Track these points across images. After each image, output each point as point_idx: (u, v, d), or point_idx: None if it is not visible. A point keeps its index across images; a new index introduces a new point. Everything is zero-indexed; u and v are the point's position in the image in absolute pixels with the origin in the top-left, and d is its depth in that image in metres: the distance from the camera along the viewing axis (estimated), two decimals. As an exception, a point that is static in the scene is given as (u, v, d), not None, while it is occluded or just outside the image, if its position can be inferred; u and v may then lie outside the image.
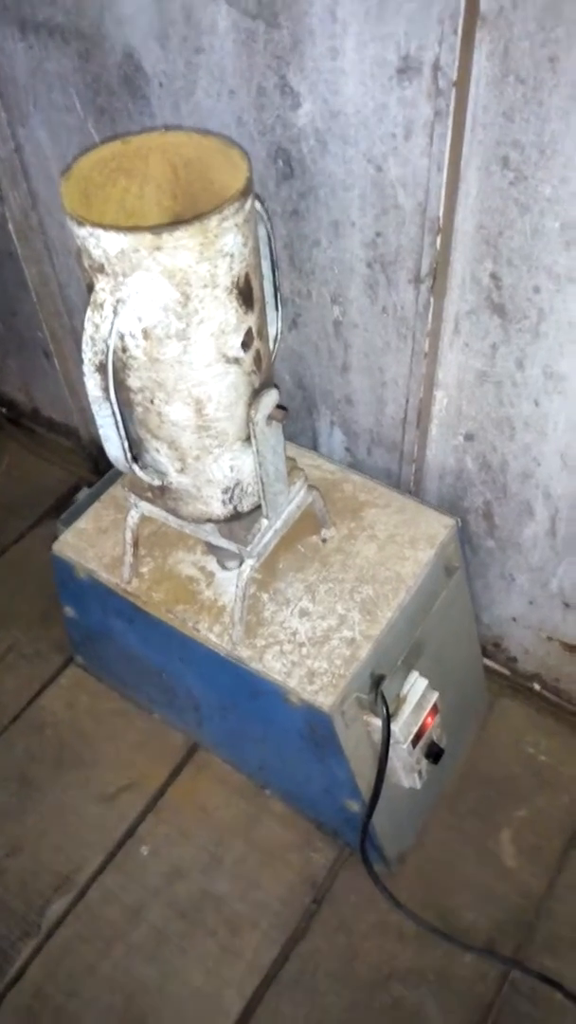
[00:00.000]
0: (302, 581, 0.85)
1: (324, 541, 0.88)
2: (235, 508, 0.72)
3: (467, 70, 0.63)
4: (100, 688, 1.14)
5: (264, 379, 0.65)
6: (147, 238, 0.50)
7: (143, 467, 0.68)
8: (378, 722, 0.80)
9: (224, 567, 0.86)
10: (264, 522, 0.74)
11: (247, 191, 0.54)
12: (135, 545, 0.83)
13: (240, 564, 0.77)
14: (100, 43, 0.81)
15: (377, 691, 0.79)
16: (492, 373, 0.80)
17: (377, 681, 0.80)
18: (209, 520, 0.72)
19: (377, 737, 0.83)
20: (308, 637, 0.81)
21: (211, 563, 0.87)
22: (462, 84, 0.64)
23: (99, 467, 1.37)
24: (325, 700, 0.77)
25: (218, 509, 0.71)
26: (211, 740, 1.05)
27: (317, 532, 0.89)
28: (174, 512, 0.73)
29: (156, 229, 0.50)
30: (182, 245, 0.51)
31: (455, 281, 0.76)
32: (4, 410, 1.46)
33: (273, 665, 0.80)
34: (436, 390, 0.86)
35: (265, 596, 0.84)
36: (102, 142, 0.59)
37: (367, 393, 0.92)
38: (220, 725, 0.98)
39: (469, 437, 0.87)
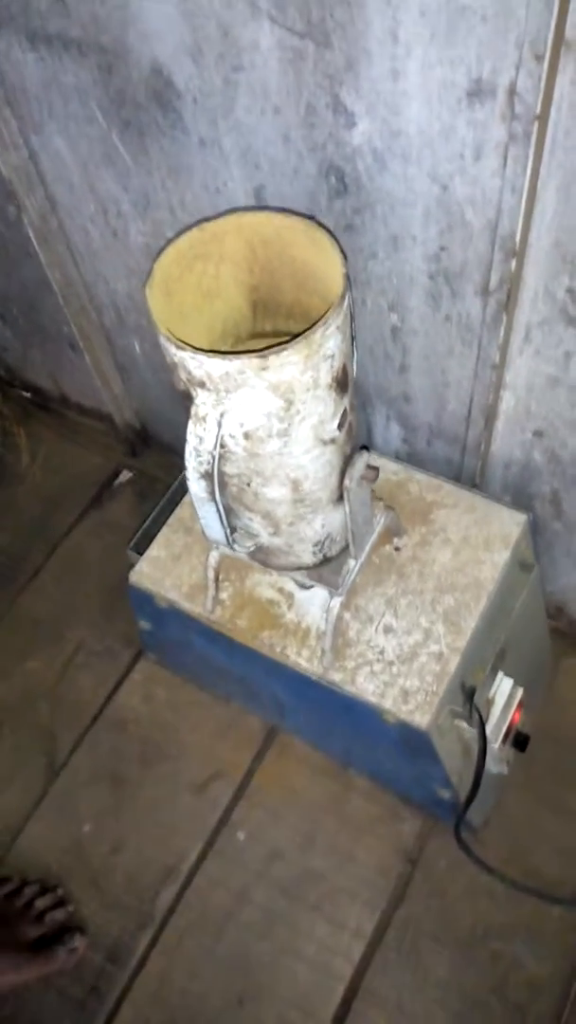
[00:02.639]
0: (382, 595, 0.86)
1: (398, 550, 0.88)
2: (324, 556, 0.72)
3: (549, 95, 0.59)
4: (174, 680, 1.17)
5: (354, 443, 0.63)
6: (254, 363, 0.48)
7: (233, 531, 0.68)
8: (468, 725, 0.83)
9: (303, 587, 0.87)
10: (352, 562, 0.74)
11: (345, 289, 0.52)
12: (217, 578, 0.84)
13: (329, 597, 0.77)
14: (123, 57, 0.74)
15: (471, 704, 0.81)
16: (565, 379, 0.78)
17: (470, 694, 0.82)
18: (299, 568, 0.73)
19: (468, 735, 0.86)
20: (396, 655, 0.83)
21: (288, 583, 0.88)
22: (543, 109, 0.59)
23: (135, 451, 1.35)
24: (422, 719, 0.80)
25: (308, 560, 0.71)
26: (294, 729, 1.09)
27: (389, 541, 0.89)
28: (263, 563, 0.73)
29: (263, 353, 0.48)
30: (288, 362, 0.49)
31: (527, 294, 0.73)
32: (29, 395, 1.43)
33: (366, 687, 0.82)
34: (503, 391, 0.84)
35: (347, 615, 0.86)
36: (177, 234, 0.56)
37: (427, 392, 0.90)
38: (305, 721, 1.02)
39: (538, 434, 0.86)
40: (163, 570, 0.90)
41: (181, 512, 0.94)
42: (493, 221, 0.69)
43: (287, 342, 0.48)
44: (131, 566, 0.93)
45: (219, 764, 1.11)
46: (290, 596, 0.87)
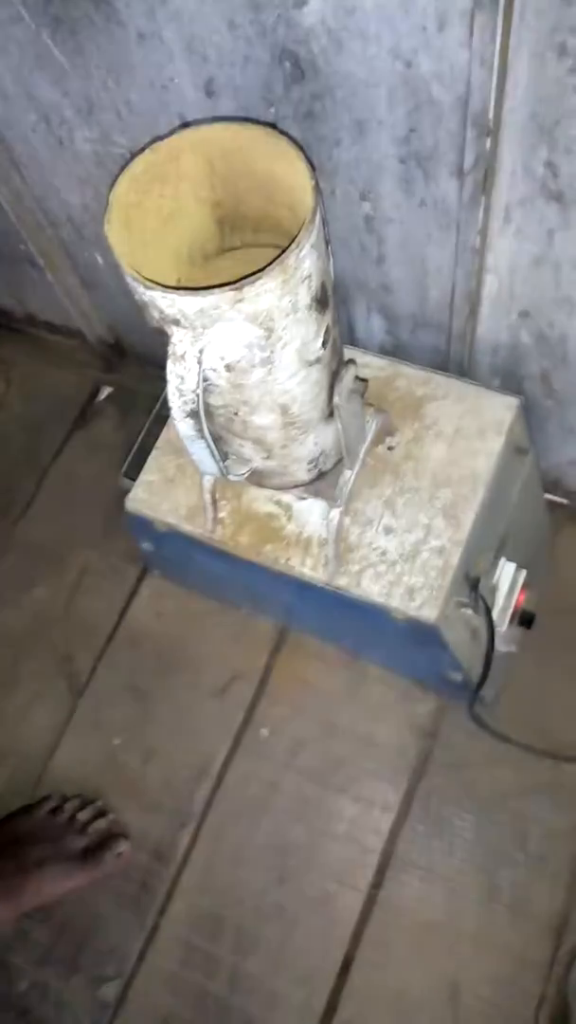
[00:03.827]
0: (379, 497, 0.86)
1: (391, 449, 0.87)
2: (319, 471, 0.71)
3: (514, -48, 0.54)
4: (181, 592, 1.18)
5: (340, 356, 0.62)
6: (228, 295, 0.46)
7: (225, 458, 0.67)
8: (475, 613, 0.85)
9: (300, 497, 0.86)
10: (347, 473, 0.74)
11: (316, 203, 0.49)
12: (214, 500, 0.84)
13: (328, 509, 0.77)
14: (42, -54, 0.67)
15: (476, 593, 0.83)
16: (549, 256, 0.75)
17: (474, 584, 0.83)
18: (295, 486, 0.72)
19: (475, 622, 0.88)
20: (399, 554, 0.84)
21: (286, 495, 0.87)
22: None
23: (111, 365, 1.32)
24: (430, 614, 0.81)
25: (303, 477, 0.71)
26: (304, 628, 1.11)
27: (382, 441, 0.88)
28: (258, 484, 0.72)
29: (237, 285, 0.46)
30: (264, 290, 0.47)
31: (504, 171, 0.69)
32: (-6, 317, 1.38)
33: (372, 588, 0.83)
34: (486, 274, 0.81)
35: (347, 519, 0.85)
36: (129, 160, 0.52)
37: (408, 282, 0.87)
38: (314, 621, 1.04)
39: (524, 315, 0.84)
40: (159, 494, 0.90)
41: (169, 434, 0.92)
42: (463, 97, 0.64)
43: (261, 270, 0.46)
44: (125, 492, 0.92)
45: (236, 667, 1.15)
46: (288, 508, 0.87)
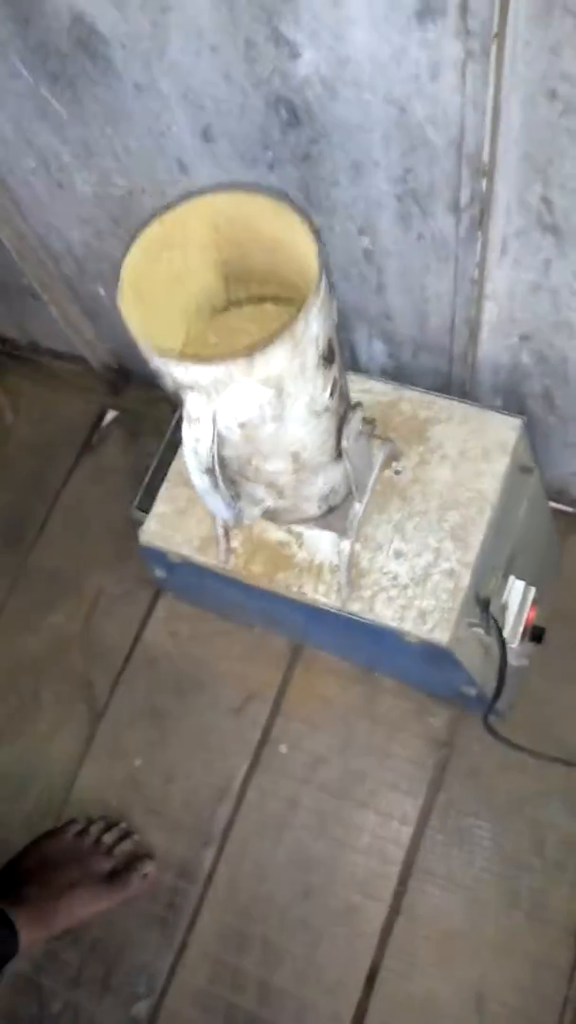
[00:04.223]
0: (387, 521, 0.87)
1: (398, 473, 0.89)
2: (329, 507, 0.73)
3: (504, 7, 0.55)
4: (195, 612, 1.20)
5: (347, 401, 0.63)
6: (241, 364, 0.48)
7: (238, 500, 0.68)
8: (486, 633, 0.87)
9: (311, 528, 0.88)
10: (357, 506, 0.75)
11: (321, 272, 0.50)
12: (226, 532, 0.85)
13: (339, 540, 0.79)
14: (38, 7, 0.68)
15: (487, 614, 0.84)
16: (546, 284, 0.77)
17: (485, 605, 0.85)
18: (305, 521, 0.74)
19: (486, 640, 0.90)
20: (410, 578, 0.85)
21: (296, 524, 0.89)
22: (500, 22, 0.56)
23: (116, 389, 1.34)
24: (442, 636, 0.83)
25: (314, 512, 0.73)
26: (317, 646, 1.13)
27: (388, 466, 0.89)
28: (270, 519, 0.74)
29: (249, 354, 0.47)
30: (274, 356, 0.49)
31: (500, 207, 0.71)
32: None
33: (384, 613, 0.85)
34: (485, 301, 0.82)
35: (358, 545, 0.87)
36: (137, 231, 0.53)
37: (407, 308, 0.88)
38: (328, 640, 1.06)
39: (524, 338, 0.85)
40: (171, 526, 0.92)
41: (178, 465, 0.94)
42: (457, 139, 0.66)
43: (271, 338, 0.48)
44: (137, 524, 0.94)
45: (252, 686, 1.17)
46: (299, 535, 0.89)
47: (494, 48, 0.57)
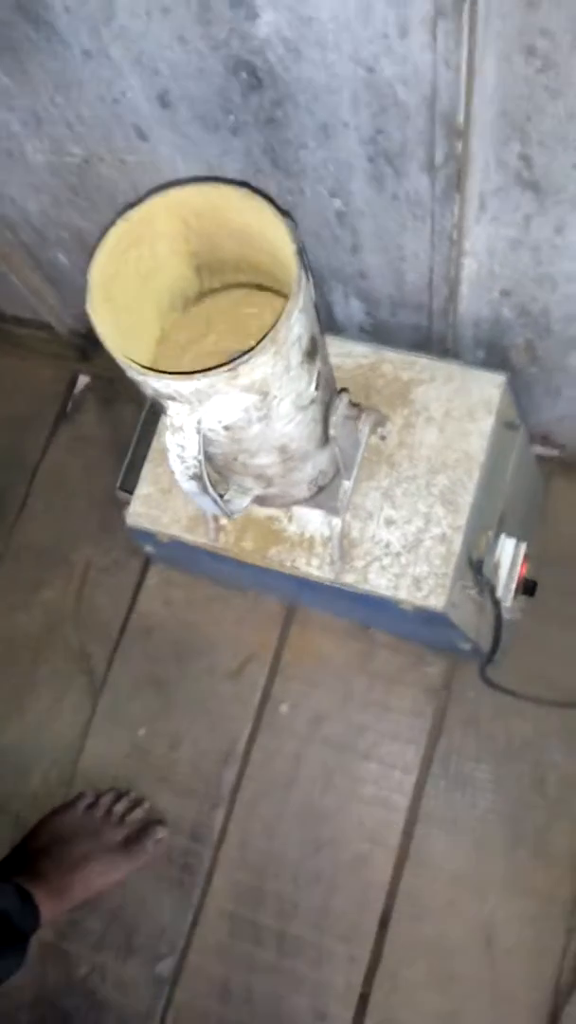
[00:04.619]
0: (376, 489, 0.86)
1: (383, 439, 0.87)
2: (319, 488, 0.72)
3: (474, -39, 0.51)
4: (187, 579, 1.20)
5: (332, 386, 0.61)
6: (224, 376, 0.46)
7: (226, 489, 0.67)
8: (479, 595, 0.87)
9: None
10: (346, 483, 0.74)
11: (300, 269, 0.48)
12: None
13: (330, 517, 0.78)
14: (-29, -29, 0.63)
15: (480, 576, 0.84)
16: (527, 240, 0.74)
17: (478, 567, 0.85)
18: (295, 503, 0.73)
19: (479, 599, 0.90)
20: (402, 545, 0.85)
21: (285, 498, 0.88)
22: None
23: (86, 354, 1.30)
24: (437, 602, 0.83)
25: (303, 494, 0.71)
26: (311, 606, 1.13)
27: (374, 431, 0.88)
28: (259, 504, 0.73)
29: (232, 366, 0.45)
30: (258, 364, 0.46)
31: (477, 165, 0.68)
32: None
33: (379, 582, 0.84)
34: (464, 258, 0.80)
35: (348, 515, 0.86)
36: (102, 233, 0.50)
37: (383, 268, 0.85)
38: (322, 603, 1.06)
39: (505, 293, 0.83)
40: (157, 506, 0.90)
41: (159, 443, 0.91)
42: (429, 97, 0.62)
43: (252, 348, 0.45)
44: (123, 505, 0.92)
45: (249, 648, 1.17)
46: (288, 510, 0.88)
47: (467, 3, 0.53)
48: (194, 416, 0.50)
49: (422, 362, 0.89)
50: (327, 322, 0.97)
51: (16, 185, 0.91)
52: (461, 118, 0.62)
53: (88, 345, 1.29)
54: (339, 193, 0.76)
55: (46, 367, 1.32)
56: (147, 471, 0.91)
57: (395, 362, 0.90)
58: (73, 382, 1.31)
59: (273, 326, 0.46)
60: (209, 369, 0.46)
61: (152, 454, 0.91)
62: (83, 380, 1.31)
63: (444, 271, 0.82)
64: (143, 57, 0.67)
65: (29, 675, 1.21)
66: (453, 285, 0.83)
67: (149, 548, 1.02)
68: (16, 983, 0.98)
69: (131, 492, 0.91)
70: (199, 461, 0.52)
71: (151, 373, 0.46)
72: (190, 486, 0.54)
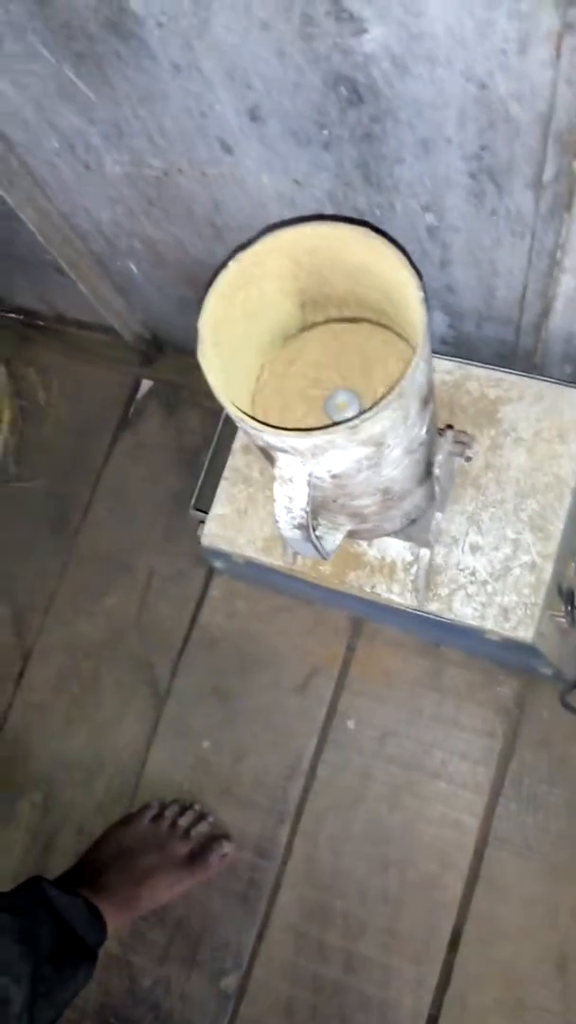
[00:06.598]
0: (462, 513, 0.83)
1: (469, 460, 0.84)
2: (411, 520, 0.69)
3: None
4: (251, 590, 1.18)
5: (435, 424, 0.58)
6: (343, 433, 0.43)
7: (317, 526, 0.64)
8: (570, 626, 0.84)
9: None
10: (438, 515, 0.71)
11: (425, 320, 0.44)
12: (294, 537, 0.82)
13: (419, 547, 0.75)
14: (60, -14, 0.60)
15: (572, 607, 0.81)
16: None
17: (568, 597, 0.82)
18: (384, 535, 0.70)
19: (562, 622, 0.87)
20: (489, 573, 0.82)
21: (365, 518, 0.85)
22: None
23: (150, 359, 1.28)
24: (526, 634, 0.80)
25: (395, 527, 0.68)
26: (382, 623, 1.11)
27: (460, 453, 0.84)
28: (348, 537, 0.70)
29: (353, 424, 0.43)
30: (381, 418, 0.44)
31: (588, 184, 0.63)
32: (21, 317, 1.33)
33: (464, 611, 0.82)
34: (562, 275, 0.76)
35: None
36: (213, 275, 0.47)
37: (473, 283, 0.82)
38: (396, 622, 1.03)
39: (602, 310, 0.79)
40: (233, 527, 0.88)
41: (234, 461, 0.89)
42: (545, 114, 0.58)
43: (376, 404, 0.43)
44: (197, 524, 0.90)
45: (314, 661, 1.15)
46: (369, 532, 0.85)
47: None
48: (305, 468, 0.47)
49: (510, 379, 0.86)
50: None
51: (91, 197, 0.89)
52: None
53: (151, 350, 1.26)
54: (433, 208, 0.72)
55: (109, 372, 1.30)
56: (223, 490, 0.89)
57: (481, 379, 0.86)
58: (136, 387, 1.29)
59: (399, 381, 0.43)
60: (329, 426, 0.43)
61: (228, 473, 0.89)
62: (146, 385, 1.29)
63: (540, 287, 0.78)
64: (236, 72, 0.63)
65: (92, 684, 1.20)
66: (548, 301, 0.80)
67: (219, 564, 1.01)
68: (81, 992, 0.98)
69: (206, 511, 0.89)
70: (306, 512, 0.49)
71: (268, 429, 0.44)
72: (294, 535, 0.52)
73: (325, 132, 0.67)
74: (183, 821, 1.10)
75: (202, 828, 1.10)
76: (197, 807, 1.12)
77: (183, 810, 1.11)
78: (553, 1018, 1.00)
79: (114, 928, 1.01)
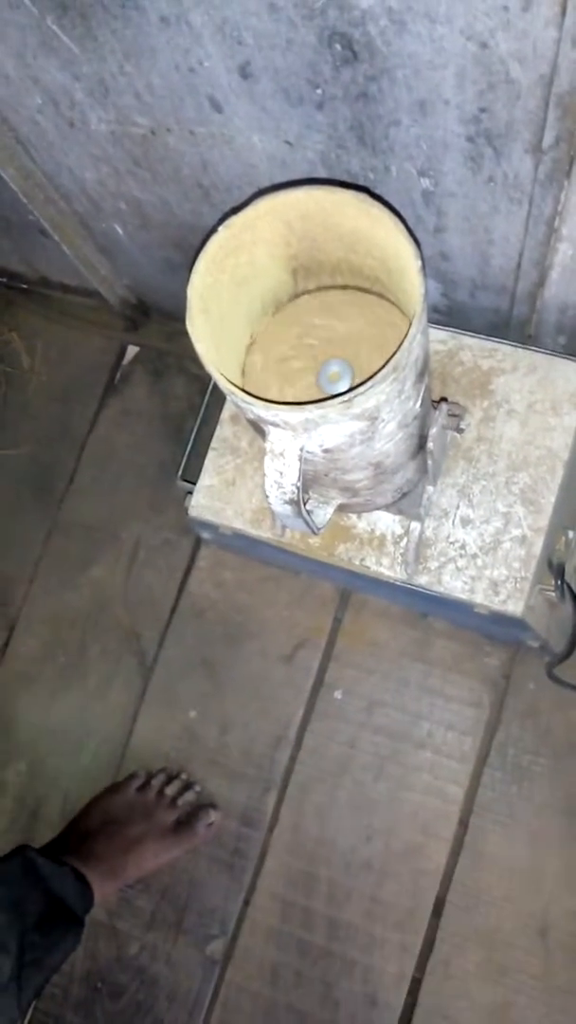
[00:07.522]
0: (452, 486, 0.82)
1: (461, 431, 0.83)
2: (403, 494, 0.68)
3: None
4: (239, 561, 1.17)
5: (430, 397, 0.57)
6: (338, 407, 0.42)
7: (307, 500, 0.63)
8: (559, 600, 0.83)
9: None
10: (430, 488, 0.70)
11: (422, 292, 0.43)
12: (283, 509, 0.80)
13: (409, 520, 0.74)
14: None
15: (562, 582, 0.81)
16: (633, 228, 0.69)
17: (559, 571, 0.81)
18: (375, 509, 0.69)
19: (552, 596, 0.86)
20: (479, 546, 0.81)
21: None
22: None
23: (136, 324, 1.25)
24: (516, 608, 0.80)
25: (387, 501, 0.68)
26: (370, 594, 1.10)
27: (454, 426, 0.83)
28: (338, 511, 0.69)
29: (347, 398, 0.41)
30: (375, 392, 0.42)
31: (589, 149, 0.62)
32: (5, 280, 1.30)
33: (454, 584, 0.81)
34: (559, 243, 0.74)
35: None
36: (202, 241, 0.46)
37: (467, 250, 0.80)
38: (384, 594, 1.02)
39: (599, 281, 0.77)
40: (221, 498, 0.87)
41: (222, 431, 0.88)
42: (547, 76, 0.56)
43: (371, 377, 0.41)
44: (184, 495, 0.89)
45: (302, 632, 1.15)
46: (358, 504, 0.84)
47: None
48: (297, 443, 0.46)
49: (503, 350, 0.84)
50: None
51: (75, 155, 0.86)
52: (580, 98, 0.56)
53: (138, 315, 1.24)
54: (429, 173, 0.70)
55: (94, 337, 1.27)
56: (210, 461, 0.88)
57: (474, 349, 0.85)
58: (122, 353, 1.26)
59: (394, 353, 0.42)
60: (322, 400, 0.42)
61: (216, 443, 0.88)
62: (132, 351, 1.27)
63: (536, 256, 0.76)
64: (226, 26, 0.61)
65: (78, 654, 1.19)
66: (544, 270, 0.78)
67: (207, 535, 0.99)
68: (68, 959, 0.98)
69: (193, 482, 0.88)
70: (297, 487, 0.48)
71: (258, 402, 0.42)
72: (284, 510, 0.51)
73: (319, 91, 0.65)
74: (170, 790, 1.10)
75: (189, 797, 1.10)
76: (184, 776, 1.12)
77: (170, 779, 1.11)
78: (535, 982, 1.01)
79: (101, 896, 1.01)
